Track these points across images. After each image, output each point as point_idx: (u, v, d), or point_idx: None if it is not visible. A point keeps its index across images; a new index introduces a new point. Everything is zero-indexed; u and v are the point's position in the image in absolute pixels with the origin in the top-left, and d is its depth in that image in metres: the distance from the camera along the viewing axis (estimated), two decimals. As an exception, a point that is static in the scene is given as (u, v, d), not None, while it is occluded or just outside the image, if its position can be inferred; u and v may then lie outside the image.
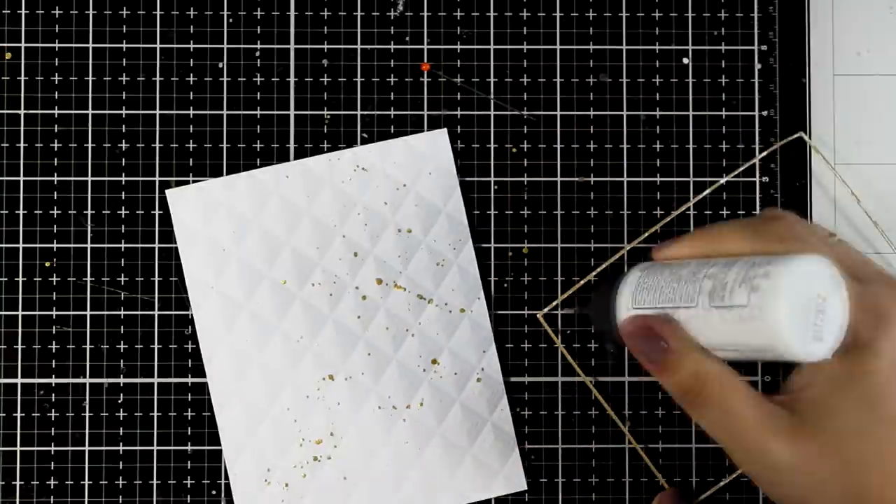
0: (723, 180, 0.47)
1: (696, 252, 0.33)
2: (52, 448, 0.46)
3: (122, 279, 0.46)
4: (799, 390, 0.32)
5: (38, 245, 0.46)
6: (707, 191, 0.47)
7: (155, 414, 0.46)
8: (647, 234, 0.47)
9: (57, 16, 0.47)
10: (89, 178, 0.47)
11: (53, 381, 0.46)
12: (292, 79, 0.47)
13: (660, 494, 0.45)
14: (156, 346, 0.46)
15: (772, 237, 0.31)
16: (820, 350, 0.28)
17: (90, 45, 0.47)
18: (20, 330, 0.46)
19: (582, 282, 0.47)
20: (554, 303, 0.47)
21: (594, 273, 0.47)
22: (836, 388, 0.30)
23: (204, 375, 0.46)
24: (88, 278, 0.46)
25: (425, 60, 0.47)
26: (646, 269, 0.34)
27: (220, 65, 0.47)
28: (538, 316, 0.46)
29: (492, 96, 0.47)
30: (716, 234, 0.33)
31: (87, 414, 0.46)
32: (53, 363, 0.46)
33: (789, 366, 0.32)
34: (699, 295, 0.30)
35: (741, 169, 0.47)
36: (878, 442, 0.30)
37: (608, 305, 0.34)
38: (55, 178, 0.47)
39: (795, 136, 0.47)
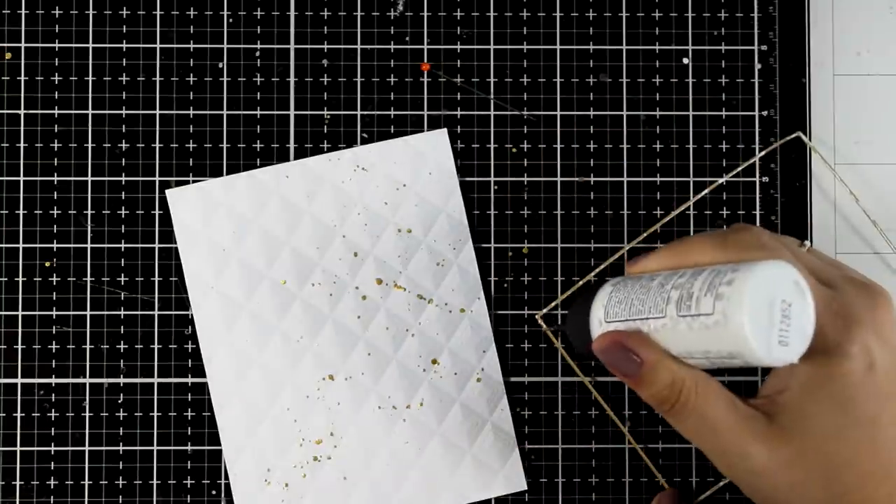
0: (723, 180, 0.47)
1: (667, 265, 0.33)
2: (52, 448, 0.46)
3: (122, 279, 0.46)
4: (775, 394, 0.32)
5: (38, 245, 0.46)
6: (706, 190, 0.47)
7: (155, 414, 0.46)
8: (646, 234, 0.47)
9: (57, 16, 0.47)
10: (89, 178, 0.47)
11: (53, 381, 0.46)
12: (292, 79, 0.47)
13: (659, 494, 0.45)
14: (156, 346, 0.46)
15: (738, 247, 0.32)
16: (786, 355, 0.29)
17: (90, 45, 0.47)
18: (20, 330, 0.46)
19: (581, 282, 0.47)
20: (553, 303, 0.47)
21: (594, 273, 0.47)
22: (810, 391, 0.31)
23: (204, 375, 0.46)
24: (88, 278, 0.46)
25: (425, 60, 0.47)
26: (617, 283, 0.34)
27: (220, 65, 0.47)
28: (537, 317, 0.46)
29: (492, 96, 0.47)
30: (684, 247, 0.33)
31: (87, 414, 0.46)
32: (53, 363, 0.46)
33: (766, 369, 0.32)
34: (667, 305, 0.31)
35: (740, 168, 0.47)
36: (853, 443, 0.30)
37: (583, 321, 0.35)
38: (55, 178, 0.47)
39: (794, 135, 0.47)
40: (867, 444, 0.30)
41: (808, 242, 0.37)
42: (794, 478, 0.31)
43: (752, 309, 0.28)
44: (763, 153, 0.47)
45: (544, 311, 0.47)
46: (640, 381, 0.32)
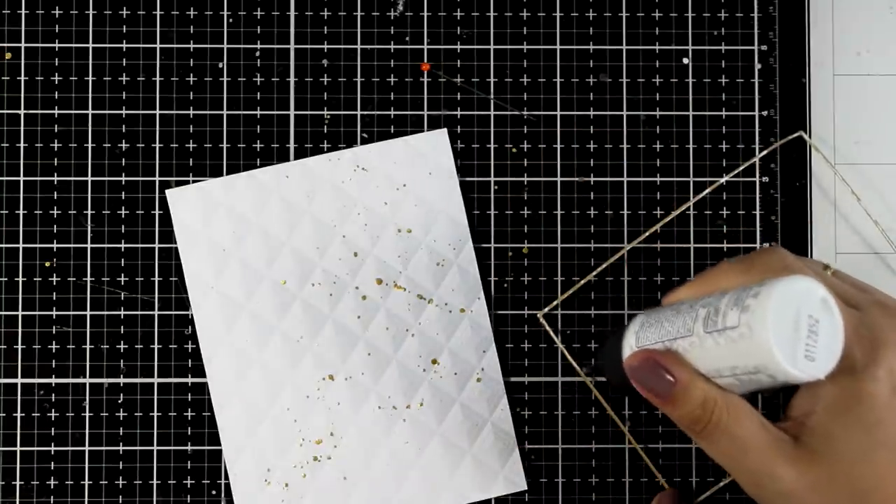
0: (723, 180, 0.47)
1: (698, 293, 0.33)
2: (52, 448, 0.46)
3: (122, 279, 0.46)
4: (801, 416, 0.32)
5: (38, 245, 0.46)
6: (707, 190, 0.47)
7: (155, 414, 0.46)
8: (647, 234, 0.47)
9: (57, 16, 0.47)
10: (89, 178, 0.47)
11: (53, 381, 0.46)
12: (292, 79, 0.47)
13: (659, 494, 0.45)
14: (156, 346, 0.46)
15: (763, 269, 0.32)
16: (813, 370, 0.28)
17: (90, 45, 0.47)
18: (20, 330, 0.46)
19: (582, 281, 0.47)
20: (554, 303, 0.47)
21: (594, 273, 0.47)
22: (835, 413, 0.31)
23: (204, 375, 0.46)
24: (88, 278, 0.46)
25: (425, 60, 0.47)
26: (649, 312, 0.35)
27: (220, 65, 0.47)
28: (538, 316, 0.46)
29: (492, 96, 0.47)
30: (712, 274, 0.33)
31: (87, 414, 0.46)
32: (53, 363, 0.46)
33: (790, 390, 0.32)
34: (695, 323, 0.31)
35: (741, 168, 0.47)
36: (878, 466, 0.30)
37: (616, 352, 0.35)
38: (55, 178, 0.47)
39: (795, 135, 0.47)
40: (891, 467, 0.30)
41: (832, 266, 0.37)
42: (822, 500, 0.31)
43: (777, 320, 0.28)
44: (764, 153, 0.47)
45: (546, 310, 0.47)
46: (672, 400, 0.32)
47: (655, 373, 0.32)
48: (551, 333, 0.46)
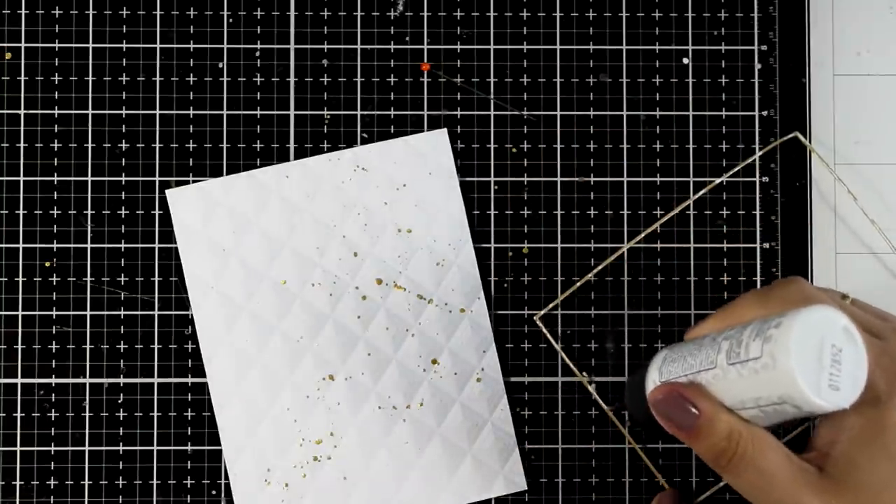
0: (722, 178, 0.47)
1: (719, 326, 0.34)
2: (52, 448, 0.46)
3: (122, 279, 0.46)
4: (825, 447, 0.32)
5: (38, 245, 0.46)
6: (705, 189, 0.47)
7: (155, 414, 0.46)
8: (646, 233, 0.47)
9: (57, 16, 0.47)
10: (89, 178, 0.47)
11: (53, 381, 0.46)
12: (292, 79, 0.47)
13: (659, 495, 0.45)
14: (156, 346, 0.46)
15: (783, 300, 0.32)
16: (837, 399, 0.28)
17: (90, 45, 0.47)
18: (20, 330, 0.46)
19: (578, 283, 0.47)
20: (551, 305, 0.47)
21: (593, 272, 0.47)
22: (859, 443, 0.31)
23: (204, 375, 0.46)
24: (88, 278, 0.46)
25: (425, 60, 0.47)
26: (672, 347, 0.35)
27: (220, 65, 0.47)
28: (535, 318, 0.46)
29: (492, 96, 0.47)
30: (732, 307, 0.33)
31: (87, 414, 0.46)
32: (53, 363, 0.46)
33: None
34: (718, 355, 0.31)
35: (737, 168, 0.47)
36: None
37: (639, 387, 0.35)
38: (55, 178, 0.47)
39: (791, 135, 0.47)
40: None
41: (850, 295, 0.37)
42: None
43: (800, 349, 0.28)
44: (761, 153, 0.47)
45: (543, 311, 0.47)
46: (696, 433, 0.32)
47: (679, 406, 0.32)
48: (548, 336, 0.46)
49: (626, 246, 0.47)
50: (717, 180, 0.47)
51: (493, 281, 0.47)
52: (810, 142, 0.47)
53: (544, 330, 0.46)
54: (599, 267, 0.47)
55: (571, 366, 0.46)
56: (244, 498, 0.45)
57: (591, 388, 0.46)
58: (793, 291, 0.32)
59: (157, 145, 0.47)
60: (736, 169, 0.47)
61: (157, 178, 0.47)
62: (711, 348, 0.32)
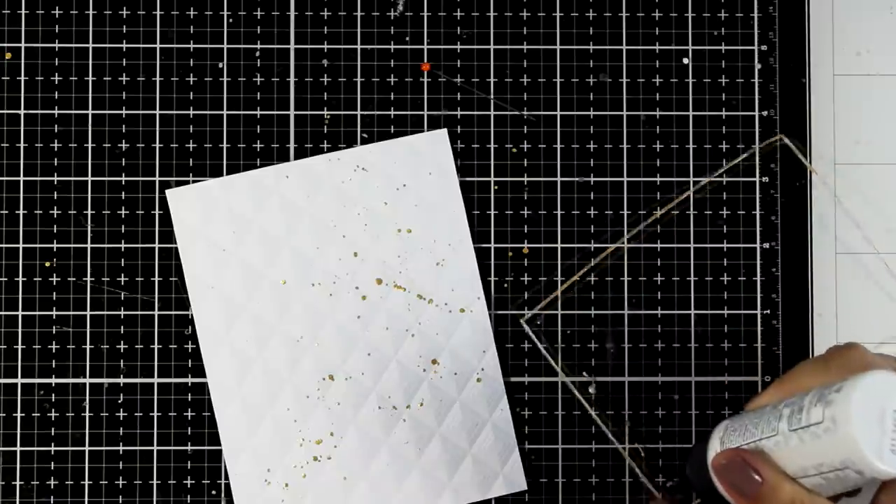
0: (718, 170, 0.47)
1: (779, 395, 0.34)
2: (52, 448, 0.46)
3: (122, 279, 0.46)
4: None
5: (38, 245, 0.46)
6: (705, 180, 0.47)
7: (155, 414, 0.46)
8: (633, 232, 0.47)
9: (57, 16, 0.47)
10: (89, 178, 0.47)
11: (53, 381, 0.46)
12: (292, 79, 0.47)
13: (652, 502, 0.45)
14: (156, 346, 0.46)
15: (843, 366, 0.32)
16: None
17: (90, 45, 0.47)
18: (20, 330, 0.46)
19: (566, 284, 0.47)
20: (538, 307, 0.47)
21: (584, 270, 0.47)
22: None
23: (204, 375, 0.46)
24: (88, 278, 0.46)
25: (425, 60, 0.47)
26: (733, 417, 0.35)
27: (220, 65, 0.47)
28: (521, 321, 0.46)
29: (492, 96, 0.47)
30: (791, 376, 0.34)
31: (87, 414, 0.46)
32: (53, 363, 0.46)
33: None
34: (779, 422, 0.31)
35: (724, 168, 0.47)
36: None
37: (701, 458, 0.35)
38: (55, 178, 0.47)
39: (775, 138, 0.47)
40: None
41: None
42: None
43: (862, 413, 0.28)
44: (744, 154, 0.47)
45: (528, 315, 0.47)
46: (759, 501, 0.32)
47: (743, 472, 0.32)
48: (534, 338, 0.46)
49: (627, 246, 0.47)
50: (702, 181, 0.47)
51: (493, 281, 0.47)
52: (810, 141, 0.47)
53: (529, 332, 0.46)
54: (582, 271, 0.47)
55: (555, 366, 0.46)
56: (244, 498, 0.45)
57: (575, 390, 0.46)
58: (852, 359, 0.32)
59: (157, 145, 0.47)
60: (723, 169, 0.47)
61: (157, 178, 0.47)
62: (773, 416, 0.32)
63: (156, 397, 0.46)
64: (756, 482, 0.32)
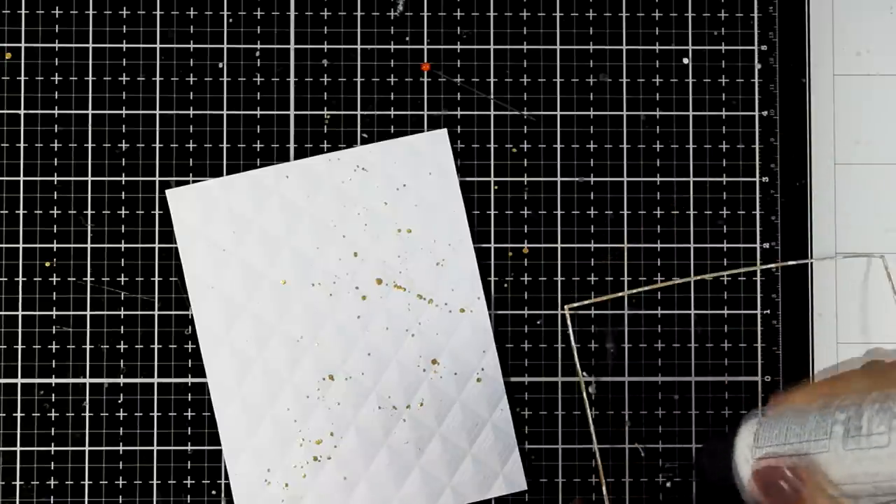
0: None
1: (820, 398, 0.33)
2: (52, 448, 0.46)
3: (122, 279, 0.46)
4: None
5: (38, 245, 0.46)
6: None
7: (155, 414, 0.46)
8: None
9: (57, 16, 0.47)
10: (89, 178, 0.47)
11: (53, 381, 0.46)
12: (292, 79, 0.47)
13: None
14: (156, 346, 0.46)
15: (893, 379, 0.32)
16: None
17: (90, 45, 0.47)
18: (20, 330, 0.46)
19: (636, 290, 0.47)
20: (586, 301, 0.47)
21: (649, 287, 0.47)
22: None
23: (204, 375, 0.46)
24: (88, 278, 0.46)
25: (425, 60, 0.47)
26: (764, 411, 0.35)
27: (220, 65, 0.47)
28: (566, 310, 0.46)
29: (492, 96, 0.47)
30: (839, 379, 0.33)
31: (87, 414, 0.46)
32: (53, 363, 0.46)
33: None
34: (833, 426, 0.31)
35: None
36: None
37: (725, 453, 0.35)
38: (55, 178, 0.47)
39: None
40: None
41: None
42: None
43: None
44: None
45: (574, 305, 0.47)
46: None
47: (784, 480, 0.32)
48: (569, 332, 0.46)
49: (627, 246, 0.47)
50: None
51: (493, 281, 0.47)
52: (810, 141, 0.47)
53: (569, 325, 0.46)
54: (647, 288, 0.47)
55: (578, 365, 0.46)
56: (244, 498, 0.45)
57: (586, 390, 0.46)
58: None
59: (157, 145, 0.47)
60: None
61: (157, 178, 0.47)
62: (822, 418, 0.32)
63: (156, 397, 0.46)
64: (793, 495, 0.32)
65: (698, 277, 0.46)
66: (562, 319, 0.47)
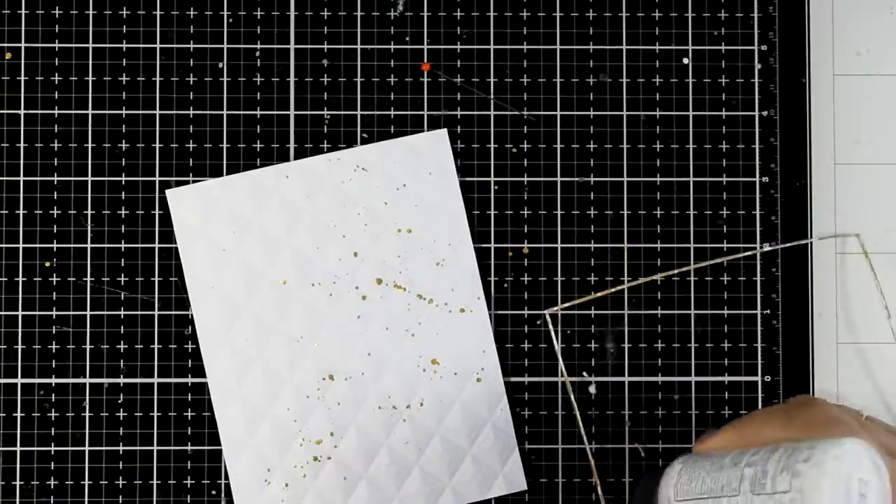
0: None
1: (734, 443, 0.34)
2: (52, 448, 0.46)
3: (122, 279, 0.46)
4: None
5: (38, 245, 0.46)
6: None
7: (155, 414, 0.46)
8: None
9: (57, 16, 0.47)
10: (89, 178, 0.47)
11: (53, 381, 0.46)
12: (292, 79, 0.47)
13: None
14: (156, 346, 0.46)
15: (805, 423, 0.32)
16: None
17: (90, 45, 0.47)
18: (20, 330, 0.46)
19: (610, 291, 0.47)
20: (567, 304, 0.47)
21: (618, 287, 0.47)
22: None
23: (204, 375, 0.46)
24: (88, 278, 0.46)
25: (425, 60, 0.47)
26: (686, 460, 0.35)
27: (220, 65, 0.47)
28: (546, 314, 0.46)
29: (492, 96, 0.47)
30: (749, 425, 0.33)
31: (87, 414, 0.46)
32: (53, 363, 0.46)
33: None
34: (741, 483, 0.31)
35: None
36: None
37: (650, 497, 0.35)
38: (55, 178, 0.47)
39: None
40: None
41: (864, 411, 0.38)
42: None
43: (832, 486, 0.28)
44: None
45: (554, 309, 0.47)
46: None
47: None
48: (552, 333, 0.46)
49: (627, 246, 0.47)
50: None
51: (493, 281, 0.47)
52: (810, 141, 0.47)
53: (550, 328, 0.46)
54: (616, 290, 0.47)
55: (562, 367, 0.46)
56: (244, 498, 0.45)
57: (573, 391, 0.46)
58: (816, 414, 0.32)
59: (157, 145, 0.47)
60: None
61: (157, 178, 0.47)
62: (733, 472, 0.32)
63: (156, 397, 0.46)
64: None
65: (697, 265, 0.46)
66: (548, 321, 0.47)
